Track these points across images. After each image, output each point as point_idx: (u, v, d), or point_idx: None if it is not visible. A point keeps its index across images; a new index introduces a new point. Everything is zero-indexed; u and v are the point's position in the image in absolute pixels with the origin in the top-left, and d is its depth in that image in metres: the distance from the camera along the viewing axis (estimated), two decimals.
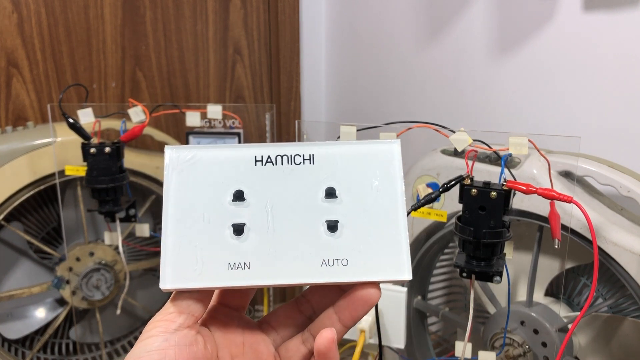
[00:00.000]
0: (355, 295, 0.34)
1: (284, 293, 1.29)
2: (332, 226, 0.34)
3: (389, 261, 0.34)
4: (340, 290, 0.36)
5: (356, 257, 0.34)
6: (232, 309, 0.38)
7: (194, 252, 0.34)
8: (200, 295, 0.34)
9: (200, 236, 0.34)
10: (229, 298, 0.38)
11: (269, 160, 0.35)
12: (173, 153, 0.35)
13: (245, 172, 0.35)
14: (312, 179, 0.35)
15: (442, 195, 0.56)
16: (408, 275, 0.33)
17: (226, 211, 0.35)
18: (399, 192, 0.35)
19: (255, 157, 0.35)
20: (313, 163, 0.35)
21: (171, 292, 0.34)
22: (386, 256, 0.34)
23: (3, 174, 0.90)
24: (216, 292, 0.38)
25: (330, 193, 0.35)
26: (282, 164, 0.35)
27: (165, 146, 0.36)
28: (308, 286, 0.39)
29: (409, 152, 0.74)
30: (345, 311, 0.34)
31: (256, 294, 1.13)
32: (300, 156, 0.35)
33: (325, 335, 0.32)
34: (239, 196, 0.35)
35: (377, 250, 0.34)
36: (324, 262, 0.34)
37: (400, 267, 0.34)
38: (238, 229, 0.34)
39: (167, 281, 0.33)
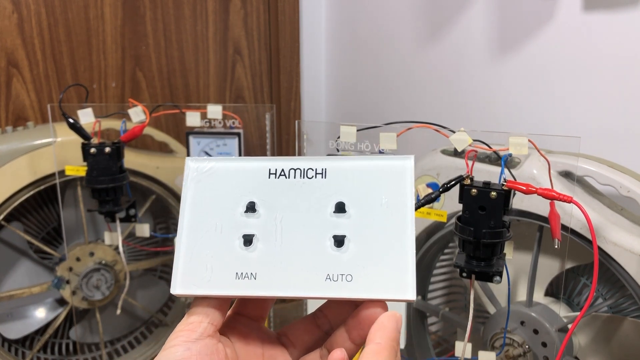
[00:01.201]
0: (361, 316, 0.34)
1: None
2: (339, 241, 0.34)
3: (393, 280, 0.33)
4: (354, 305, 0.36)
5: (360, 274, 0.34)
6: (251, 319, 0.38)
7: (204, 260, 0.35)
8: (219, 302, 0.35)
9: (212, 245, 0.35)
10: (247, 308, 0.38)
11: (282, 173, 0.36)
12: (192, 164, 0.37)
13: (258, 185, 0.36)
14: (323, 193, 0.35)
15: (442, 195, 0.56)
16: (412, 296, 0.33)
17: (238, 222, 0.35)
18: (409, 210, 0.34)
19: (270, 170, 0.36)
20: (325, 177, 0.36)
21: (186, 298, 0.35)
22: (391, 275, 0.33)
23: (3, 174, 0.90)
24: (235, 302, 0.38)
25: (340, 208, 0.35)
26: (294, 178, 0.36)
27: (187, 158, 0.37)
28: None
29: (409, 152, 0.74)
30: (354, 330, 0.34)
31: None
32: (312, 170, 0.36)
33: (335, 357, 0.33)
34: (250, 207, 0.35)
35: (382, 268, 0.34)
36: (328, 277, 0.34)
37: (404, 286, 0.33)
38: (247, 240, 0.35)
39: (177, 287, 0.35)
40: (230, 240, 0.35)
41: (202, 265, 0.35)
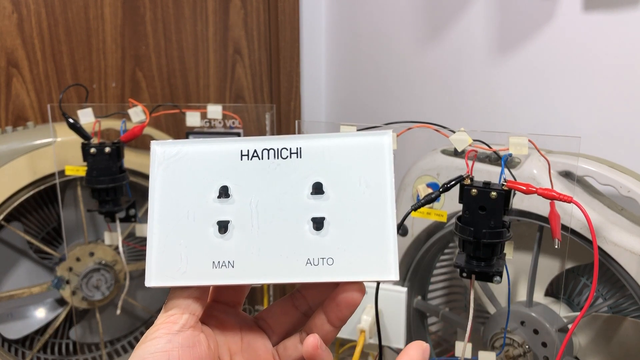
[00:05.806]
0: (338, 298, 0.33)
1: (284, 292, 1.29)
2: (318, 224, 0.33)
3: (375, 261, 0.32)
4: (334, 285, 0.35)
5: (342, 257, 0.33)
6: (228, 305, 0.38)
7: (178, 250, 0.34)
8: (199, 293, 0.34)
9: (185, 234, 0.34)
10: (224, 295, 0.38)
11: (255, 154, 0.34)
12: (159, 148, 0.35)
13: (230, 168, 0.34)
14: (299, 174, 0.34)
15: (442, 195, 0.56)
16: (394, 276, 0.32)
17: (211, 208, 0.34)
18: (388, 188, 0.33)
19: (241, 151, 0.34)
20: (300, 157, 0.34)
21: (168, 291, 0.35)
22: (372, 255, 0.32)
23: (3, 174, 0.90)
24: (211, 290, 0.38)
25: (317, 189, 0.34)
26: (268, 158, 0.34)
27: (152, 142, 0.35)
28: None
29: (409, 152, 0.74)
30: (332, 313, 0.34)
31: (257, 294, 1.13)
32: (287, 150, 0.34)
33: (309, 343, 0.32)
34: (224, 193, 0.34)
35: (364, 249, 0.33)
36: (309, 262, 0.33)
37: (386, 267, 0.32)
38: (223, 227, 0.34)
39: (152, 278, 0.34)
40: (204, 228, 0.34)
41: (176, 255, 0.33)
